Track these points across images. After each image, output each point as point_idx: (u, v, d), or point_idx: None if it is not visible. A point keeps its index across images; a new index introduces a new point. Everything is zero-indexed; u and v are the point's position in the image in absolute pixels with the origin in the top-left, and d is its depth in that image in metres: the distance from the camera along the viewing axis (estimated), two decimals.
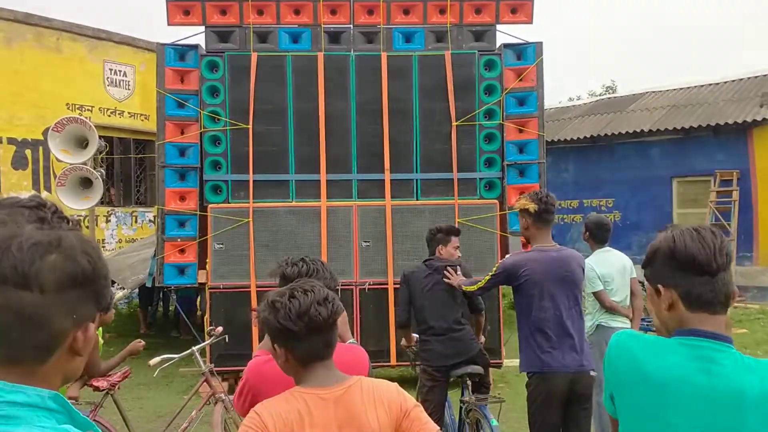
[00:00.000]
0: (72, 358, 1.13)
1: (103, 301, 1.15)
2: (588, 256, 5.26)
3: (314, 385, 1.86)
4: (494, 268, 4.04)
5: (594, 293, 5.45)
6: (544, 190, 3.98)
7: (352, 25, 7.29)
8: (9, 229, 1.10)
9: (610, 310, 5.44)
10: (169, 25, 7.14)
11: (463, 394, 4.68)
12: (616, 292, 5.48)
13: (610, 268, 5.49)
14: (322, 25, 7.22)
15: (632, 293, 5.62)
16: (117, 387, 4.74)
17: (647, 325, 8.59)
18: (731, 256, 1.69)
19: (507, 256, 4.09)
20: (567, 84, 58.25)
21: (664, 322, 1.69)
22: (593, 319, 5.47)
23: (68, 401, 1.11)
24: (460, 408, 4.76)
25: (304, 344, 1.87)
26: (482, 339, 4.89)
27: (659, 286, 1.67)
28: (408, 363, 5.80)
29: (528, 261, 3.86)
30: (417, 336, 4.94)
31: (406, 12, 7.33)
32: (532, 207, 3.83)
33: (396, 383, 1.99)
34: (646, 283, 1.79)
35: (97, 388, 4.62)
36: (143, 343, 4.37)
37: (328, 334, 1.89)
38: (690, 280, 1.61)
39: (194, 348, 4.99)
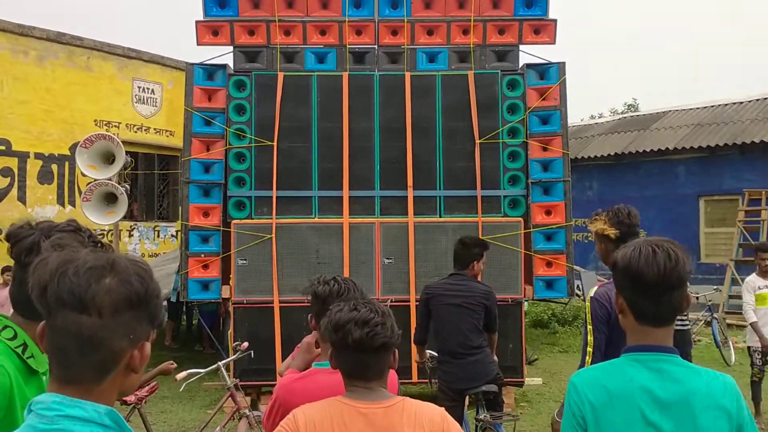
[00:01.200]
0: (128, 375, 1.17)
1: (156, 320, 1.20)
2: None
3: (355, 398, 1.88)
4: (587, 318, 3.19)
5: None
6: (624, 208, 3.28)
7: (376, 46, 7.38)
8: (66, 253, 1.14)
9: None
10: (198, 45, 7.28)
11: (478, 412, 4.71)
12: None
13: None
14: (348, 46, 7.31)
15: None
16: (144, 401, 4.81)
17: None
18: (688, 276, 1.79)
19: (593, 290, 3.22)
20: (588, 101, 58.05)
21: (621, 324, 1.88)
22: None
23: (122, 417, 1.15)
24: (476, 426, 4.77)
25: (341, 358, 1.91)
26: (495, 358, 4.87)
27: (616, 292, 1.86)
28: (428, 380, 5.80)
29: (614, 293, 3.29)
30: (431, 353, 4.94)
31: (430, 33, 7.40)
32: (612, 233, 3.17)
33: (443, 408, 1.97)
34: None
35: (124, 402, 4.68)
36: (175, 365, 4.43)
37: (366, 357, 1.87)
38: (637, 296, 1.77)
39: (220, 363, 5.04)
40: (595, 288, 3.22)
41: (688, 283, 1.83)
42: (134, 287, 1.14)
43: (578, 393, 1.79)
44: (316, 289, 2.41)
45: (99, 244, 1.66)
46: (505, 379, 5.10)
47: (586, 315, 3.18)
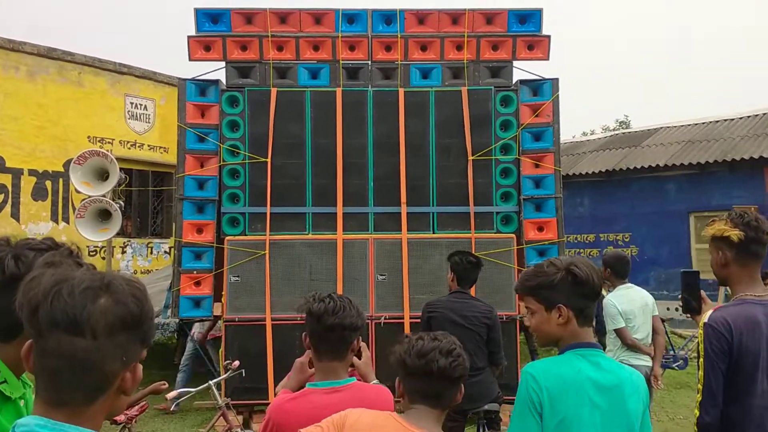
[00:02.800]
0: (118, 397, 1.15)
1: (148, 340, 1.17)
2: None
3: (410, 420, 1.93)
4: (699, 344, 2.62)
5: (615, 330, 5.41)
6: (751, 211, 2.73)
7: (370, 62, 7.39)
8: (60, 273, 1.11)
9: (632, 347, 5.38)
10: (190, 60, 7.27)
11: (478, 431, 4.66)
12: (637, 329, 5.43)
13: (632, 305, 5.45)
14: (341, 61, 7.32)
15: (654, 331, 5.57)
16: (134, 421, 4.73)
17: (664, 362, 8.47)
18: None
19: (707, 314, 2.60)
20: (580, 118, 58.43)
21: (553, 335, 2.19)
22: (614, 357, 5.42)
23: None
24: None
25: (417, 384, 1.98)
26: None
27: (559, 305, 2.14)
28: None
29: (740, 320, 2.53)
30: None
31: (424, 48, 7.42)
32: (735, 234, 2.60)
33: None
34: (533, 300, 2.23)
35: (114, 422, 4.61)
36: (166, 384, 4.37)
37: (444, 384, 1.97)
38: (585, 303, 2.15)
39: (211, 382, 4.98)
40: (710, 312, 2.61)
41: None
42: (130, 308, 1.11)
43: (537, 382, 2.12)
44: (311, 306, 2.38)
45: (78, 263, 1.62)
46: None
47: (699, 345, 2.60)
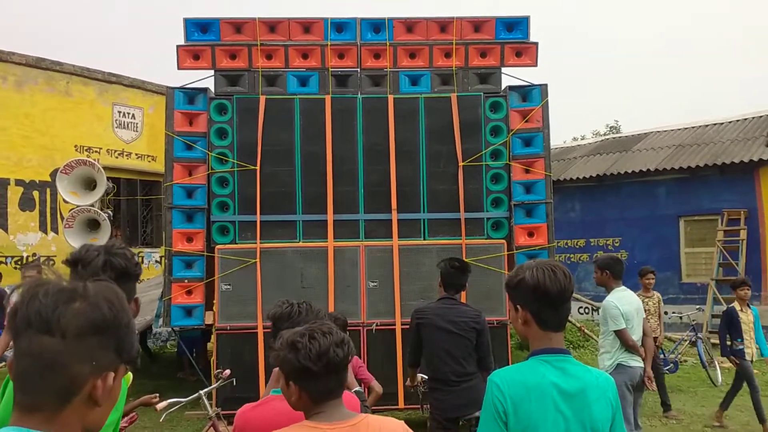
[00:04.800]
0: (91, 407, 1.14)
1: (125, 353, 1.17)
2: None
3: (323, 420, 1.91)
4: None
5: (617, 332, 5.40)
6: None
7: (359, 69, 7.40)
8: (41, 279, 1.14)
9: (630, 349, 5.39)
10: (179, 69, 7.26)
11: None
12: (633, 331, 5.46)
13: (630, 307, 5.48)
14: (330, 69, 7.32)
15: (644, 333, 5.60)
16: None
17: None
18: (573, 290, 2.20)
19: None
20: (571, 123, 58.76)
21: (520, 332, 2.25)
22: (612, 358, 5.42)
23: None
24: None
25: (320, 383, 1.93)
26: None
27: (518, 306, 2.18)
28: (417, 406, 5.72)
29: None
30: (422, 376, 4.86)
31: (412, 56, 7.44)
32: None
33: (402, 422, 2.08)
34: (508, 298, 2.29)
35: None
36: (158, 397, 4.33)
37: (343, 373, 1.97)
38: (542, 308, 2.14)
39: (201, 391, 4.94)
40: None
41: None
42: (103, 312, 1.12)
43: (501, 390, 2.10)
44: (269, 312, 2.41)
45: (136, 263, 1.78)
46: None
47: None
